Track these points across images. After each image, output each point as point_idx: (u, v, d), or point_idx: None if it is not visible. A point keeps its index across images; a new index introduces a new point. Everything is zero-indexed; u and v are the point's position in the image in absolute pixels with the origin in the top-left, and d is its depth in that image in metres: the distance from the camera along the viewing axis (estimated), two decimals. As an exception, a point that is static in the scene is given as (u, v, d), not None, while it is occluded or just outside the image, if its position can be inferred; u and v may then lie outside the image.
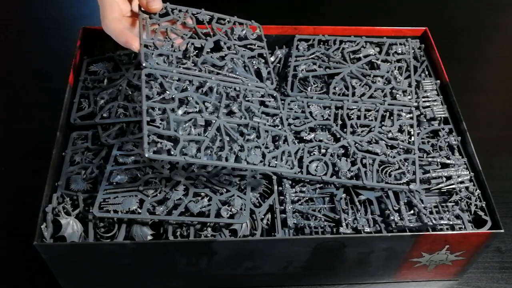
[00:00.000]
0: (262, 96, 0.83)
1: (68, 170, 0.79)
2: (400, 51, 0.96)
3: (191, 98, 0.75)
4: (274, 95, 0.84)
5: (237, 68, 0.83)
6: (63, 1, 1.33)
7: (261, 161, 0.74)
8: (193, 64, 0.80)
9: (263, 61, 0.88)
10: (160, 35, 0.80)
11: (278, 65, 0.96)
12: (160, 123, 0.71)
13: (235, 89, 0.80)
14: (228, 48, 0.85)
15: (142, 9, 0.80)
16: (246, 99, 0.80)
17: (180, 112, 0.74)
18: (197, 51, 0.82)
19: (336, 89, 0.89)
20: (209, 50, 0.83)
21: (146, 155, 0.66)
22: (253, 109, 0.80)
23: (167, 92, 0.74)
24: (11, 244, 0.86)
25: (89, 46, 0.93)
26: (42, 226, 0.71)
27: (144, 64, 0.75)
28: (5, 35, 1.19)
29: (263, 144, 0.76)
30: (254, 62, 0.87)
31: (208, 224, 0.75)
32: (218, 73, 0.81)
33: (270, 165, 0.74)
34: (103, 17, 0.76)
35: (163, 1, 0.82)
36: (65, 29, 1.21)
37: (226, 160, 0.72)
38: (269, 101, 0.83)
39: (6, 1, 1.28)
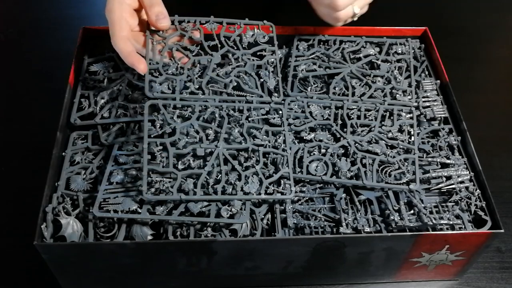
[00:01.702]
0: (267, 112, 0.83)
1: (68, 170, 0.79)
2: (400, 51, 0.96)
3: (191, 128, 0.77)
4: (280, 111, 0.83)
5: (243, 84, 0.82)
6: (63, 1, 1.33)
7: (257, 189, 0.74)
8: (197, 87, 0.80)
9: (272, 69, 0.86)
10: (166, 56, 0.81)
11: (279, 64, 0.96)
12: (160, 161, 0.74)
13: (238, 109, 0.80)
14: (236, 59, 0.85)
15: (150, 27, 0.81)
16: (249, 119, 0.80)
17: (181, 144, 0.75)
18: (202, 70, 0.82)
19: (336, 89, 0.89)
20: (215, 67, 0.82)
21: (144, 197, 0.70)
22: (255, 131, 0.79)
23: (168, 125, 0.76)
24: (11, 244, 0.86)
25: (89, 46, 0.93)
26: (42, 226, 0.71)
27: (148, 95, 0.77)
28: (5, 35, 1.19)
29: (262, 168, 0.76)
30: (261, 73, 0.85)
31: (208, 224, 0.75)
32: (222, 93, 0.81)
33: (267, 192, 0.75)
34: (112, 35, 0.77)
35: (171, 14, 0.82)
36: (65, 29, 1.21)
37: (223, 192, 0.73)
38: (273, 118, 0.82)
39: (6, 1, 1.28)
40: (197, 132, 0.77)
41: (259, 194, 0.74)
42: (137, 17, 0.81)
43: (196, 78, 0.81)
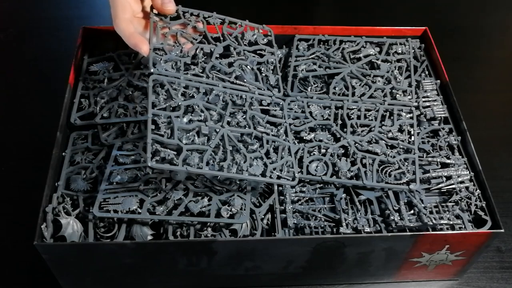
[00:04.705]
0: (268, 104, 0.83)
1: (68, 170, 0.79)
2: (400, 51, 0.96)
3: (196, 106, 0.76)
4: (280, 103, 0.84)
5: (245, 75, 0.83)
6: (63, 1, 1.33)
7: (262, 172, 0.74)
8: (201, 71, 0.80)
9: (272, 68, 0.88)
10: (170, 39, 0.80)
11: (278, 65, 0.96)
12: (165, 132, 0.72)
13: (241, 97, 0.81)
14: (238, 53, 0.85)
15: (154, 11, 0.80)
16: (252, 107, 0.80)
17: (185, 120, 0.74)
18: (206, 57, 0.82)
19: (336, 89, 0.89)
20: (218, 56, 0.82)
21: (149, 165, 0.67)
22: (258, 118, 0.80)
23: (173, 99, 0.74)
24: (11, 244, 0.86)
25: (89, 46, 0.93)
26: (42, 226, 0.71)
27: (152, 70, 0.75)
28: (5, 35, 1.19)
29: (265, 154, 0.76)
30: (262, 69, 0.86)
31: (208, 224, 0.75)
32: (225, 80, 0.81)
33: (271, 176, 0.75)
34: (115, 17, 0.76)
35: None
36: (65, 29, 1.21)
37: (229, 170, 0.72)
38: (275, 110, 0.83)
39: (6, 1, 1.28)
40: (202, 111, 0.76)
41: (265, 176, 0.74)
42: (140, 4, 0.80)
43: (201, 62, 0.81)
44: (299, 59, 0.94)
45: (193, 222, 0.74)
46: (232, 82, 0.81)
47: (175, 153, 0.71)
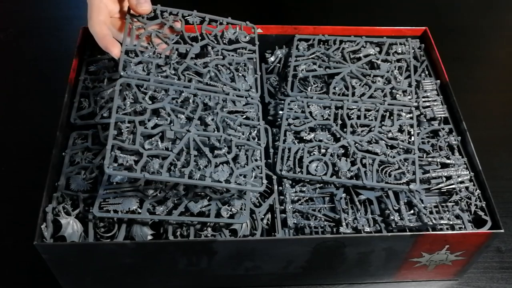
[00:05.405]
0: (243, 105, 0.80)
1: (68, 170, 0.79)
2: (400, 51, 0.96)
3: (163, 110, 0.74)
4: (256, 105, 0.81)
5: (221, 76, 0.80)
6: (63, 1, 1.33)
7: (227, 178, 0.71)
8: (173, 72, 0.78)
9: (252, 67, 0.85)
10: (144, 40, 0.79)
11: (278, 65, 0.96)
12: (127, 137, 0.70)
13: (214, 98, 0.78)
14: (216, 53, 0.83)
15: (131, 11, 0.79)
16: (224, 109, 0.78)
17: (150, 124, 0.72)
18: (179, 58, 0.80)
19: (336, 89, 0.89)
20: (193, 56, 0.80)
21: (106, 171, 0.67)
22: (229, 121, 0.77)
23: (139, 103, 0.73)
24: (11, 244, 0.86)
25: (89, 46, 0.93)
26: (42, 226, 0.71)
27: (121, 74, 0.74)
28: (5, 35, 1.19)
29: (233, 159, 0.74)
30: (240, 68, 0.84)
31: (208, 224, 0.75)
32: (198, 81, 0.79)
33: (237, 182, 0.72)
34: (89, 18, 0.76)
35: (154, 3, 0.81)
36: (65, 29, 1.21)
37: (191, 176, 0.70)
38: (249, 112, 0.80)
39: (6, 1, 1.28)
40: (169, 115, 0.74)
41: (229, 182, 0.71)
42: (118, 4, 0.80)
43: (173, 63, 0.79)
44: (299, 59, 0.94)
45: (193, 222, 0.74)
46: (206, 83, 0.79)
47: (135, 159, 0.69)
